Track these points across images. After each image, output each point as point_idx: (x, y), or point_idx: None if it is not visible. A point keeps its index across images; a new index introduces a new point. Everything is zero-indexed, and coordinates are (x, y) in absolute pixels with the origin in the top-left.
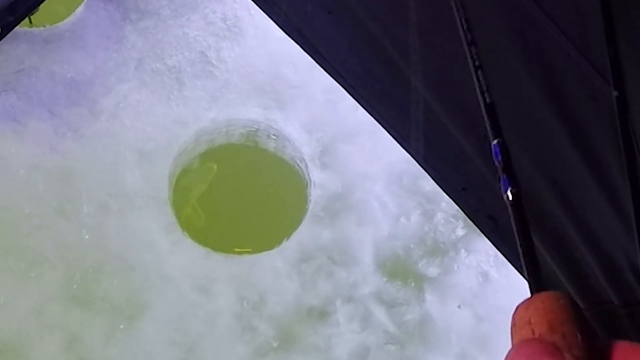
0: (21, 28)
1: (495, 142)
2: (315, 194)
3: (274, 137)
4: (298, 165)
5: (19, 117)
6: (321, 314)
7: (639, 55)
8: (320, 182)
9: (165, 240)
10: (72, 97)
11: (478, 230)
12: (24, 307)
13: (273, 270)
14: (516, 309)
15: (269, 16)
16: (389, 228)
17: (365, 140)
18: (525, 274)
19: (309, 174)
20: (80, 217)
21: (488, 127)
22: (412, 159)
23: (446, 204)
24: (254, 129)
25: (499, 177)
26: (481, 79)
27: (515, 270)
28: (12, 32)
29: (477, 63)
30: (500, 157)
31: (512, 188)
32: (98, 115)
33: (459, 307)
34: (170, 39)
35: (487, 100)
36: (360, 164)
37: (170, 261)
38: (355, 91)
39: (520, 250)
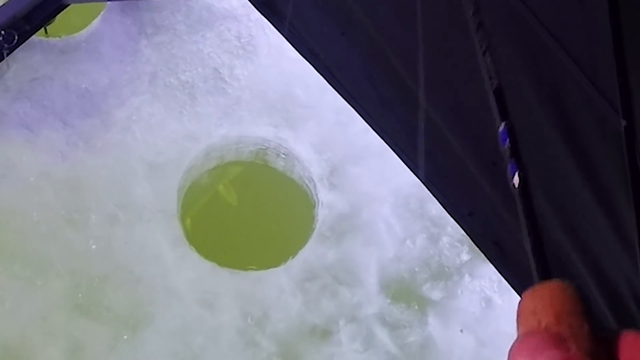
0: (37, 37)
1: (502, 126)
2: (322, 214)
3: (284, 156)
4: (306, 184)
5: (31, 126)
6: (324, 333)
7: None
8: (328, 202)
9: (172, 253)
10: (85, 107)
11: (483, 256)
12: (28, 314)
13: (278, 287)
14: (522, 298)
15: (284, 36)
16: (394, 250)
17: (374, 163)
18: (532, 262)
19: (317, 194)
20: (88, 227)
21: (495, 112)
22: (419, 182)
23: (452, 228)
24: (264, 147)
25: (506, 163)
26: (489, 62)
27: (519, 297)
28: (27, 41)
29: (483, 47)
30: (507, 141)
31: (519, 172)
32: (110, 127)
33: (461, 331)
34: (185, 54)
35: (495, 84)
36: (368, 186)
37: (175, 274)
38: (365, 113)
39: (527, 237)
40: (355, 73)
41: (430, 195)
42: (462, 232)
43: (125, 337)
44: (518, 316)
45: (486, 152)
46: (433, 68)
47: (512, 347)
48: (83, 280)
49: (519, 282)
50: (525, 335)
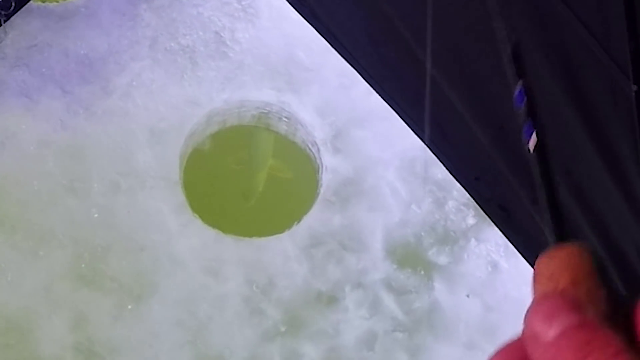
0: (35, 3)
1: (519, 85)
2: (326, 179)
3: (286, 120)
4: (310, 149)
5: (30, 94)
6: (330, 300)
7: None
8: (332, 166)
9: (175, 221)
10: (84, 74)
11: (489, 220)
12: (31, 285)
13: (283, 254)
14: (538, 261)
15: None
16: (400, 215)
17: (378, 126)
18: (548, 225)
19: (320, 158)
20: (90, 195)
21: (512, 71)
22: (425, 146)
23: (458, 192)
24: (266, 111)
25: (522, 123)
26: (505, 18)
27: (525, 261)
28: (25, 7)
29: (497, 7)
30: (524, 101)
31: (537, 133)
32: (110, 94)
33: (467, 296)
34: (185, 18)
35: (512, 42)
36: (372, 150)
37: (179, 242)
38: (369, 76)
39: (544, 200)
40: (359, 35)
41: (436, 159)
42: (468, 196)
43: (129, 306)
44: (534, 279)
45: (493, 116)
46: (440, 31)
47: (528, 310)
48: (86, 250)
49: (525, 247)
50: (542, 299)
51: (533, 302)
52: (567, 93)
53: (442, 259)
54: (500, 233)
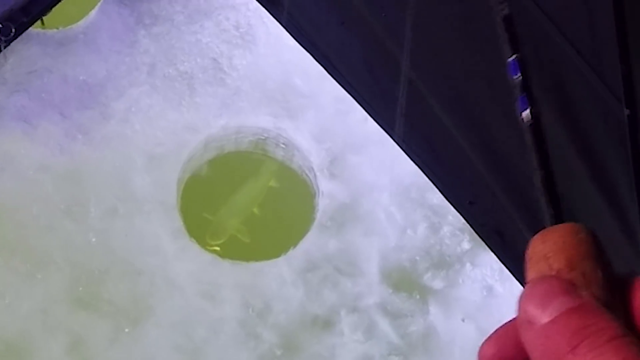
0: (34, 29)
1: (512, 57)
2: (323, 204)
3: (283, 146)
4: (307, 174)
5: (29, 118)
6: (325, 324)
7: None
8: (328, 192)
9: (172, 245)
10: (83, 99)
11: (484, 245)
12: (28, 308)
13: (279, 278)
14: (532, 242)
15: (282, 25)
16: (395, 239)
17: (374, 152)
18: (542, 202)
19: (317, 184)
20: (87, 219)
21: (505, 41)
22: (420, 171)
23: (453, 217)
24: (263, 137)
25: (516, 97)
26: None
27: (520, 285)
28: (25, 33)
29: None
30: (518, 74)
31: (531, 107)
32: (109, 119)
33: (463, 320)
34: (183, 45)
35: (505, 11)
36: (368, 175)
37: (176, 266)
38: (365, 102)
39: (539, 177)
40: (355, 62)
41: (431, 184)
42: (463, 220)
43: (126, 330)
44: (528, 260)
45: (488, 140)
46: (436, 60)
47: (522, 293)
48: (83, 274)
49: (520, 271)
50: (536, 281)
51: (527, 284)
52: (560, 117)
53: (438, 284)
54: (495, 257)
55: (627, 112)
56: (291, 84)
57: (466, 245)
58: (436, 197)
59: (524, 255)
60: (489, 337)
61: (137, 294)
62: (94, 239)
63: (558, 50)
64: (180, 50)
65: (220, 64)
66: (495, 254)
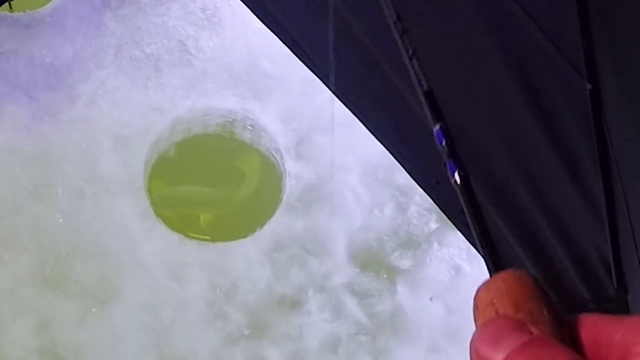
0: (1, 12)
1: (437, 127)
2: (289, 185)
3: (250, 128)
4: (273, 155)
5: None
6: (293, 303)
7: (613, 49)
8: (295, 172)
9: (139, 226)
10: (50, 81)
11: (451, 224)
12: None
13: (246, 258)
14: (477, 292)
15: (248, 7)
16: (362, 220)
17: (341, 132)
18: (483, 256)
19: (284, 165)
20: (55, 201)
21: (428, 114)
22: (387, 151)
23: (420, 197)
24: (231, 120)
25: (444, 163)
26: (416, 67)
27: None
28: None
29: (410, 52)
30: (444, 141)
31: (459, 171)
32: (75, 100)
33: (430, 299)
34: (149, 27)
35: (425, 87)
36: (335, 156)
37: (143, 247)
38: (331, 83)
39: (474, 233)
40: (321, 43)
41: (398, 164)
42: (430, 200)
43: (93, 310)
44: (475, 310)
45: (451, 118)
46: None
47: (472, 338)
48: (50, 255)
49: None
50: (485, 324)
51: (477, 329)
52: (523, 93)
53: (405, 263)
54: (462, 237)
55: (589, 86)
56: (257, 66)
57: (433, 225)
58: (403, 177)
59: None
60: None
61: (105, 275)
62: (61, 220)
63: (520, 26)
64: (146, 32)
65: (187, 46)
66: (462, 233)
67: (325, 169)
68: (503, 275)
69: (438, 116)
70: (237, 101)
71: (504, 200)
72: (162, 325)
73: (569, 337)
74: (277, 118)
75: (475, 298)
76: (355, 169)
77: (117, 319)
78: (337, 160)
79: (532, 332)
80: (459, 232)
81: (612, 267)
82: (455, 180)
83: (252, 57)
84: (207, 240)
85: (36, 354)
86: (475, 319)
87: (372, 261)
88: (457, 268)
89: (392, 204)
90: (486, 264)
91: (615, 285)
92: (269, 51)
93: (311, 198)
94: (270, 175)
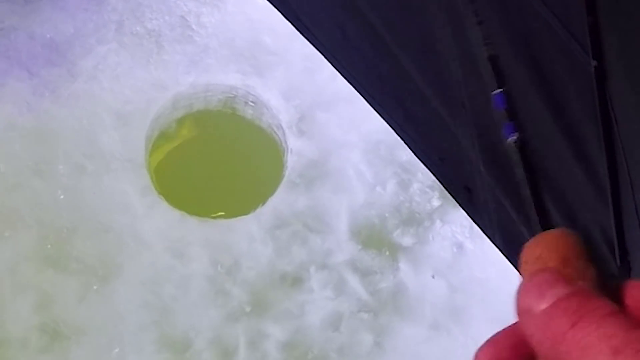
0: None
1: (499, 91)
2: (291, 161)
3: (252, 104)
4: (275, 132)
5: None
6: (295, 280)
7: (619, 25)
8: (297, 149)
9: (141, 202)
10: (51, 57)
11: (454, 202)
12: None
13: (248, 235)
14: (525, 247)
15: None
16: (364, 196)
17: (344, 109)
18: (534, 215)
19: (286, 141)
20: (55, 177)
21: (491, 78)
22: (389, 128)
23: (422, 174)
24: (232, 95)
25: (503, 124)
26: (484, 32)
27: (490, 242)
28: None
29: (478, 18)
30: (505, 106)
31: (519, 133)
32: (76, 77)
33: (433, 277)
34: (151, 2)
35: (489, 53)
36: (337, 132)
37: (145, 224)
38: (334, 59)
39: (529, 193)
40: (324, 19)
41: (400, 141)
42: (433, 178)
43: (94, 287)
44: (522, 264)
45: (456, 96)
46: (404, 13)
47: (518, 288)
48: (51, 232)
49: (489, 228)
50: (532, 273)
51: (522, 281)
52: (526, 70)
53: (407, 240)
54: (465, 214)
55: (594, 63)
56: (260, 42)
57: (436, 202)
58: (406, 154)
59: (493, 212)
60: (485, 344)
61: (106, 252)
62: (62, 197)
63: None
64: (148, 7)
65: (189, 22)
66: (465, 210)
67: (327, 145)
68: (553, 232)
69: (499, 81)
70: (239, 77)
71: (508, 176)
72: (163, 302)
73: (613, 296)
74: (279, 94)
75: (522, 253)
76: (357, 145)
77: (118, 296)
78: (339, 136)
79: (579, 285)
80: (461, 210)
81: (616, 245)
82: (514, 141)
83: (254, 33)
84: (208, 217)
85: (37, 331)
86: (521, 273)
87: (374, 238)
88: (459, 245)
89: (394, 181)
90: (539, 224)
91: (619, 263)
92: (271, 27)
93: (313, 175)
94: (272, 152)
